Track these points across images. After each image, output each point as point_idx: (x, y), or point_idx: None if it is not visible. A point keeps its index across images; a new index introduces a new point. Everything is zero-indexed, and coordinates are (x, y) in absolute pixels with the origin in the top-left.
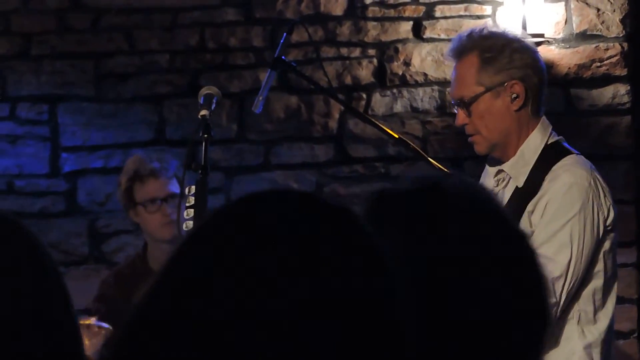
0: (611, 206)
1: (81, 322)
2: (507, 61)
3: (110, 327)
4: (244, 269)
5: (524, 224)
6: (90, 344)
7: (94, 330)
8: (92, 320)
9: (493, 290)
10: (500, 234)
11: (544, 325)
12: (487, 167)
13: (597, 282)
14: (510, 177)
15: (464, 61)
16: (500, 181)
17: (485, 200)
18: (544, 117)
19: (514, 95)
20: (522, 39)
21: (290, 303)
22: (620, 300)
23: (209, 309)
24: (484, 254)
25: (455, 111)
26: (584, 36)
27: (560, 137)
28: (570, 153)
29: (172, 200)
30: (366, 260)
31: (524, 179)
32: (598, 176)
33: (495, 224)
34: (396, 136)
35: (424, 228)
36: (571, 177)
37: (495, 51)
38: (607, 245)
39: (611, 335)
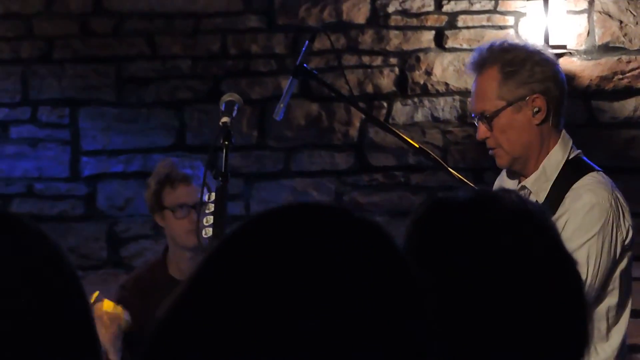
0: (630, 227)
1: (98, 306)
2: (528, 75)
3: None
4: (272, 283)
5: None
6: (105, 332)
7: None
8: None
9: (535, 307)
10: (549, 255)
11: (582, 348)
12: (505, 177)
13: (611, 300)
14: (531, 192)
15: (484, 75)
16: None
17: (540, 219)
18: (564, 132)
19: (536, 109)
20: (543, 52)
21: (320, 318)
22: (635, 313)
23: (236, 323)
24: (531, 272)
25: (476, 124)
26: (606, 48)
27: (579, 151)
28: (592, 170)
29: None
30: (396, 276)
31: (545, 195)
32: (619, 195)
33: (545, 244)
34: (417, 145)
35: (477, 238)
36: (593, 198)
37: (517, 65)
38: (623, 264)
39: (624, 351)
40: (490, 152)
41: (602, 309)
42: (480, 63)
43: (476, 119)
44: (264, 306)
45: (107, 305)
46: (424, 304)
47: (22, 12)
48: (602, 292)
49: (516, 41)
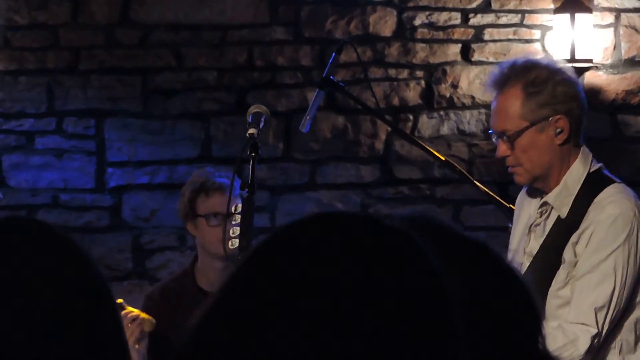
0: None
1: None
2: (551, 95)
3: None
4: (305, 294)
5: (568, 254)
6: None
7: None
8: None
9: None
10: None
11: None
12: (525, 196)
13: (639, 311)
14: (553, 208)
15: (506, 93)
16: (544, 212)
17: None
18: (584, 146)
19: (559, 130)
20: (565, 70)
21: (354, 329)
22: None
23: (269, 334)
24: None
25: (495, 142)
26: (632, 62)
27: (601, 164)
28: (613, 182)
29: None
30: (428, 284)
31: (567, 210)
32: None
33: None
34: (442, 158)
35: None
36: (617, 208)
37: (539, 85)
38: None
39: None
40: (510, 169)
41: (630, 321)
42: (503, 81)
43: (495, 137)
44: (295, 318)
45: (130, 309)
46: (454, 316)
47: (48, 23)
48: (629, 303)
49: (538, 58)
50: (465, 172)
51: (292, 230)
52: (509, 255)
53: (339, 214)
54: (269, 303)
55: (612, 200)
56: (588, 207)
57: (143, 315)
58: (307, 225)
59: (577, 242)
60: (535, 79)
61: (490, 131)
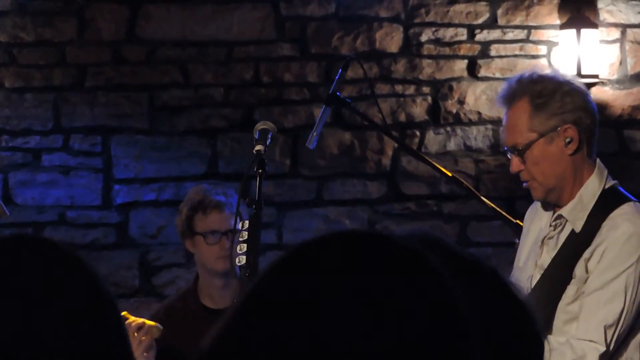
0: None
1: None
2: (558, 105)
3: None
4: (322, 315)
5: (579, 269)
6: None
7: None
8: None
9: None
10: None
11: None
12: (536, 210)
13: None
14: (567, 221)
15: (515, 108)
16: (557, 225)
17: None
18: (599, 161)
19: (568, 140)
20: (572, 81)
21: (368, 350)
22: None
23: (286, 355)
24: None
25: (509, 157)
26: (638, 78)
27: (616, 181)
28: (628, 200)
29: (232, 236)
30: (443, 305)
31: (582, 224)
32: None
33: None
34: (449, 174)
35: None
36: (631, 227)
37: (546, 96)
38: None
39: None
40: (525, 185)
41: (636, 340)
42: (511, 96)
43: (508, 152)
44: (311, 340)
45: (134, 318)
46: (469, 335)
47: (54, 40)
48: (636, 322)
49: (545, 72)
50: (471, 188)
51: (310, 249)
52: (514, 272)
53: (356, 233)
54: (285, 324)
55: (627, 219)
56: (602, 223)
57: (148, 322)
58: (326, 244)
59: (589, 258)
60: (542, 91)
61: (505, 148)
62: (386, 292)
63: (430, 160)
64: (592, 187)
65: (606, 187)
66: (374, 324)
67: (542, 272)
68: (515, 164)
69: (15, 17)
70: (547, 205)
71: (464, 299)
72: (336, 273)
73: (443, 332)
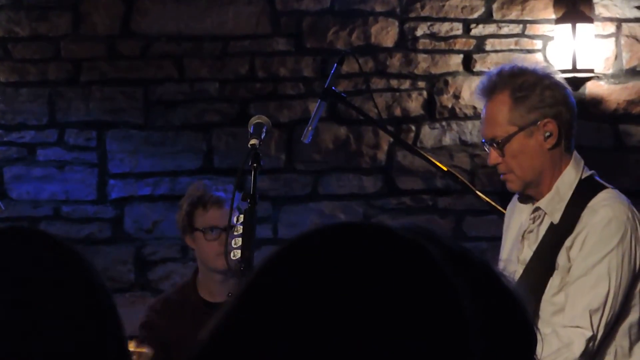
0: None
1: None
2: (538, 99)
3: (150, 352)
4: (317, 307)
5: (561, 259)
6: None
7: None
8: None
9: None
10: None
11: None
12: (515, 205)
13: (633, 316)
14: (545, 214)
15: (495, 100)
16: (536, 218)
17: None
18: (575, 152)
19: (547, 134)
20: (553, 76)
21: (369, 343)
22: None
23: (284, 348)
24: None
25: (487, 150)
26: (633, 72)
27: (593, 171)
28: (605, 187)
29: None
30: (444, 297)
31: (560, 215)
32: (635, 210)
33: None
34: (445, 169)
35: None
36: (610, 212)
37: (527, 89)
38: None
39: None
40: (502, 177)
41: (624, 326)
42: (490, 88)
43: (487, 145)
44: (312, 332)
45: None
46: (470, 321)
47: (49, 34)
48: (623, 308)
49: (526, 65)
50: (467, 183)
51: (308, 241)
52: (500, 265)
53: (355, 224)
54: (283, 317)
55: (605, 204)
56: (581, 212)
57: (139, 349)
58: (325, 236)
59: (570, 247)
60: (523, 84)
61: (483, 140)
62: (387, 284)
63: (425, 155)
64: (569, 178)
65: (583, 177)
66: (374, 316)
67: (524, 266)
68: (494, 156)
69: (10, 12)
70: (525, 199)
71: (464, 290)
72: (335, 265)
73: (444, 323)
